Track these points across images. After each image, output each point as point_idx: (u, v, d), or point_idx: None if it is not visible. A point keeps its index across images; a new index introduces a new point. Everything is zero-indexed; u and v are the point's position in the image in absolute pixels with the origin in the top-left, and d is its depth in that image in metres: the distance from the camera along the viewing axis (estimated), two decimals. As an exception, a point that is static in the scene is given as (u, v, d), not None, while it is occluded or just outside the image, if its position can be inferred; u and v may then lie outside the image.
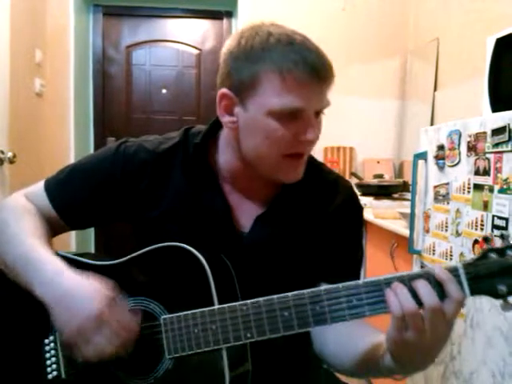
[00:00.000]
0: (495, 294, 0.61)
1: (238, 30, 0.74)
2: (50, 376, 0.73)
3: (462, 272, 0.61)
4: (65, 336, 0.67)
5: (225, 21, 3.28)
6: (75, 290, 0.67)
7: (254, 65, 0.69)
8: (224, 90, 0.73)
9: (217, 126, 0.81)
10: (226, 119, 0.75)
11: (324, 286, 0.65)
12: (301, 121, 0.71)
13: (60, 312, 0.67)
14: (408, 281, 0.61)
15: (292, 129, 0.71)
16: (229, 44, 0.73)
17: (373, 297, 0.63)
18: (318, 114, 0.74)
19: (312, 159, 0.85)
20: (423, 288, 0.60)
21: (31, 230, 0.76)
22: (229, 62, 0.72)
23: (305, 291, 0.66)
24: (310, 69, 0.68)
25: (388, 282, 0.62)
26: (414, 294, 0.60)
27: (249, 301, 0.67)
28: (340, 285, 0.65)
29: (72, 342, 0.66)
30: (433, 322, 0.59)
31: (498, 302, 0.61)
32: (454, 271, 0.61)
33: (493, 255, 0.61)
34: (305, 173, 0.78)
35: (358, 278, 0.85)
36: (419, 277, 0.61)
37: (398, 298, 0.60)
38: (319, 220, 0.83)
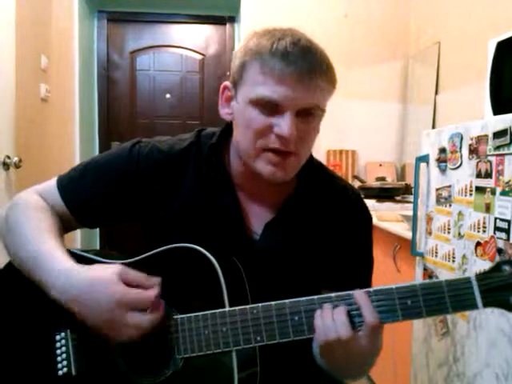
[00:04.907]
0: (508, 307, 0.61)
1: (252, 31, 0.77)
2: (60, 372, 0.74)
3: (474, 284, 0.61)
4: (100, 331, 0.68)
5: (228, 26, 3.31)
6: (88, 286, 0.67)
7: (245, 56, 0.72)
8: (226, 83, 0.78)
9: (229, 128, 0.82)
10: (224, 111, 0.78)
11: (335, 293, 0.67)
12: (279, 115, 0.71)
13: (83, 311, 0.67)
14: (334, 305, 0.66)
15: (269, 121, 0.71)
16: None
17: (382, 305, 0.65)
18: (302, 113, 0.71)
19: (322, 167, 0.86)
20: (339, 316, 0.64)
21: (44, 228, 0.76)
22: (234, 57, 0.76)
23: (315, 297, 0.66)
24: (292, 64, 0.67)
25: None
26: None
27: (260, 304, 0.68)
28: (351, 292, 0.66)
29: (110, 332, 0.67)
30: (348, 346, 0.64)
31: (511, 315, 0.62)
32: (466, 283, 0.62)
33: (506, 267, 0.61)
34: (315, 180, 0.80)
35: (368, 286, 0.86)
36: (341, 301, 0.65)
37: (324, 325, 0.64)
38: (328, 227, 0.83)
